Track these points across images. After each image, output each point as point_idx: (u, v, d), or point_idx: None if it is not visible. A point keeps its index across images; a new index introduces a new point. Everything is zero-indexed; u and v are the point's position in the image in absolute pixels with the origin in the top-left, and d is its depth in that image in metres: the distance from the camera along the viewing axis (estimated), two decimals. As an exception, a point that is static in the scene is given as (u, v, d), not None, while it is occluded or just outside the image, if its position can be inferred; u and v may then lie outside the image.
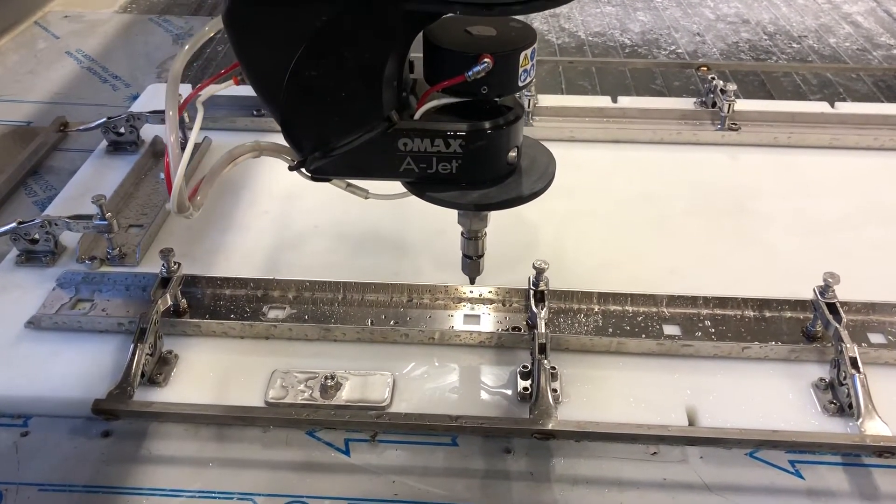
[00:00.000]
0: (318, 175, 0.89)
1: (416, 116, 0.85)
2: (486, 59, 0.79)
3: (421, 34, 0.83)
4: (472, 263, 1.00)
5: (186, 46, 0.87)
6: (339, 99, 0.82)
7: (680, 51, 2.05)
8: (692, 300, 1.12)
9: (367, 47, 0.79)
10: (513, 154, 0.88)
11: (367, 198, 0.97)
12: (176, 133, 0.87)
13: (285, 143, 0.89)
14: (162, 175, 1.40)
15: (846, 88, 1.85)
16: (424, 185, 0.89)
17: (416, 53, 0.84)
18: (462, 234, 0.97)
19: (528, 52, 0.82)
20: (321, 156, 0.87)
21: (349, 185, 0.95)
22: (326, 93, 0.82)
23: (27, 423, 1.02)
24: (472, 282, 1.04)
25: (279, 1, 0.78)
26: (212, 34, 0.86)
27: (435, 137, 0.84)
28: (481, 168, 0.87)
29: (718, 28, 2.19)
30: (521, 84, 0.84)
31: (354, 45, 0.79)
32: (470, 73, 0.80)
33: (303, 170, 0.89)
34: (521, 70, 0.83)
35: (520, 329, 1.08)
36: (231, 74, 0.88)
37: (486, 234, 0.98)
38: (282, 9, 0.78)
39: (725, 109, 1.52)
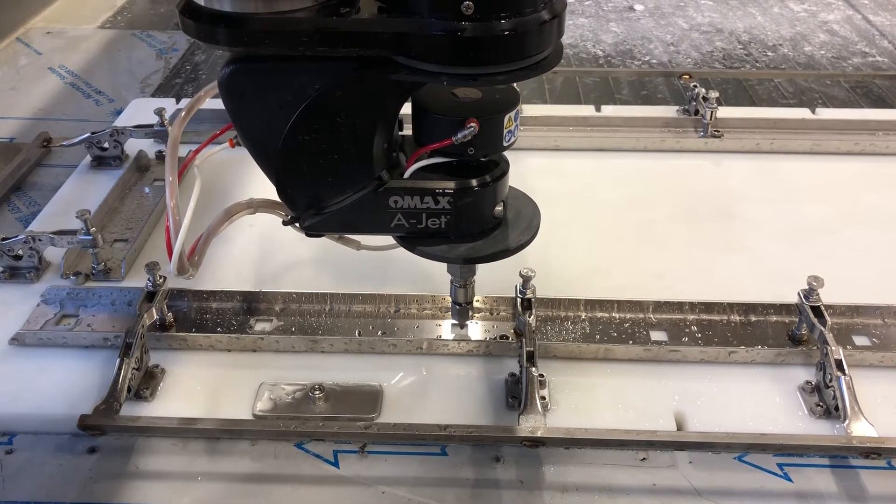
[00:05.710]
0: (312, 231, 0.92)
1: (406, 175, 0.87)
2: (472, 124, 0.81)
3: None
4: (461, 309, 1.03)
5: (183, 112, 0.90)
6: (332, 161, 0.85)
7: (654, 61, 2.06)
8: (678, 306, 1.12)
9: (358, 114, 0.82)
10: (499, 208, 0.91)
11: (359, 249, 1.00)
12: (176, 199, 0.91)
13: (278, 198, 0.91)
14: (147, 189, 1.42)
15: (825, 95, 1.87)
16: (415, 240, 0.91)
17: (405, 111, 0.86)
18: (451, 281, 1.00)
19: (512, 113, 0.85)
20: (314, 213, 0.89)
21: (342, 237, 0.98)
22: (320, 155, 0.84)
23: (12, 440, 1.01)
24: (462, 326, 1.08)
25: (273, 70, 0.80)
26: (207, 98, 0.89)
27: (424, 195, 0.87)
28: (469, 222, 0.90)
29: (693, 38, 2.20)
30: (505, 144, 0.86)
31: (346, 112, 0.82)
32: (456, 136, 0.82)
33: (296, 224, 0.91)
34: (505, 131, 0.85)
35: (507, 337, 1.09)
36: (226, 136, 0.91)
37: (474, 281, 1.00)
38: (276, 78, 0.81)
39: (708, 117, 1.54)
